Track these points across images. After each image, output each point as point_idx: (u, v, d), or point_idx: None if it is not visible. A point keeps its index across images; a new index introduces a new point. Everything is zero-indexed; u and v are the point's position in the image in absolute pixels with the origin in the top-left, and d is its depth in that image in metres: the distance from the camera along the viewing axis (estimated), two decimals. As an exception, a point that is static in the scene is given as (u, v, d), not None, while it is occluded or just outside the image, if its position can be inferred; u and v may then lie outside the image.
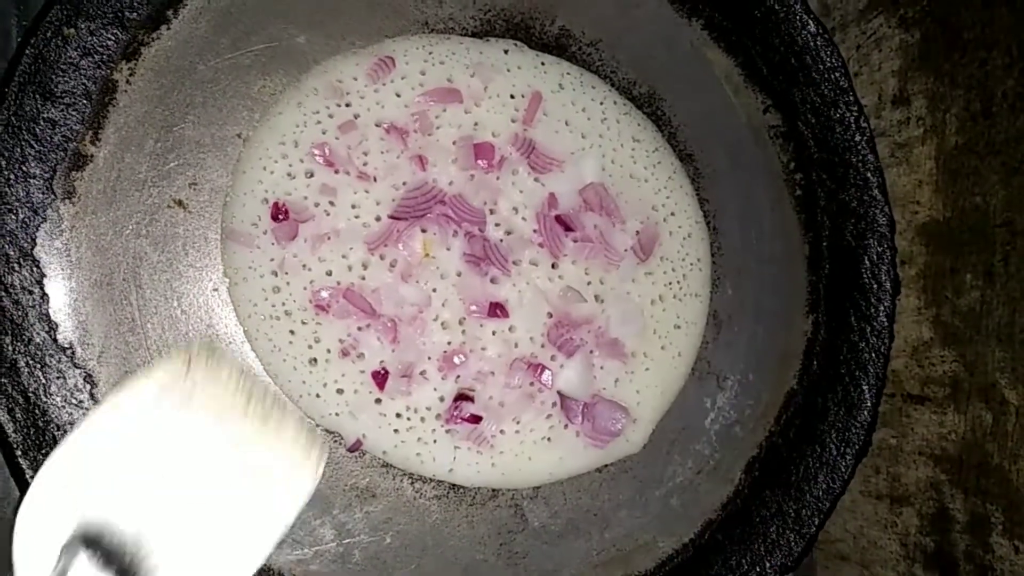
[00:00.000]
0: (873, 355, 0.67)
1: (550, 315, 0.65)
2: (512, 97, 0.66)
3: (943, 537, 0.70)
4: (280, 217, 0.62)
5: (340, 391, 0.62)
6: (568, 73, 0.67)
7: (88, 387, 0.60)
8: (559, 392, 0.65)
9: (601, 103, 0.68)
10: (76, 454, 0.49)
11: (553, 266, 0.66)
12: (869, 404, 0.67)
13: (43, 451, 0.58)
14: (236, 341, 0.62)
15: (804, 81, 0.68)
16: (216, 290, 0.62)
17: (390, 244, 0.63)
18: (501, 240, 0.65)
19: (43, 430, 0.58)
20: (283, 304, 0.62)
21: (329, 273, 0.62)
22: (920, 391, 0.72)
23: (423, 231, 0.63)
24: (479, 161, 0.64)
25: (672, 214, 0.68)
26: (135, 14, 0.61)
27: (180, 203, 0.62)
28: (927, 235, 0.72)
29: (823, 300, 0.69)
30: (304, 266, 0.62)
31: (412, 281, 0.63)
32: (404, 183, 0.63)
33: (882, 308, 0.67)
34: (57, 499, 0.48)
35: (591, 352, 0.66)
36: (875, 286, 0.67)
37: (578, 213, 0.66)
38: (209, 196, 0.62)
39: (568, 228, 0.65)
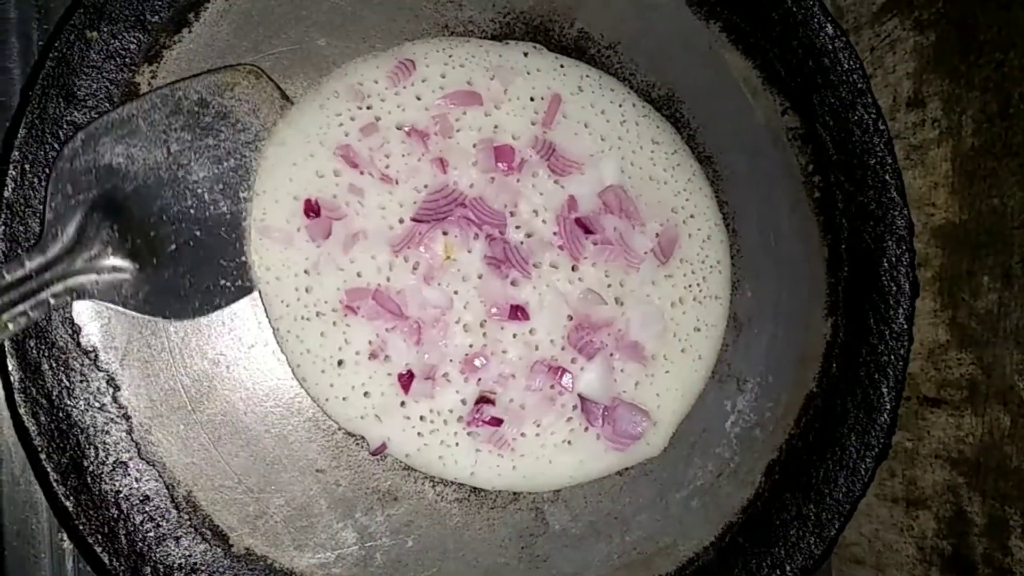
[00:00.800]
0: (892, 357, 0.67)
1: (570, 317, 0.65)
2: (531, 100, 0.66)
3: (961, 540, 0.69)
4: (313, 214, 0.61)
5: (367, 394, 0.62)
6: (587, 76, 0.67)
7: (111, 390, 0.60)
8: (580, 395, 0.65)
9: (620, 105, 0.68)
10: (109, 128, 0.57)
11: (573, 268, 0.65)
12: (889, 407, 0.67)
13: (67, 455, 0.58)
14: (259, 344, 0.62)
15: (822, 83, 0.68)
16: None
17: (412, 247, 0.63)
18: (522, 243, 0.65)
19: (67, 433, 0.58)
20: (315, 304, 0.61)
21: (360, 274, 0.62)
22: (937, 394, 0.72)
23: (444, 234, 0.63)
24: (499, 164, 0.64)
25: (691, 216, 0.68)
26: (157, 17, 0.61)
27: None
28: (943, 237, 0.72)
29: (842, 303, 0.69)
30: (337, 266, 0.62)
31: (434, 283, 0.63)
32: (425, 186, 0.63)
33: (901, 311, 0.67)
34: (86, 162, 0.56)
35: (611, 355, 0.65)
36: (894, 288, 0.67)
37: (598, 215, 0.66)
38: None
39: (588, 231, 0.65)
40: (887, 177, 0.67)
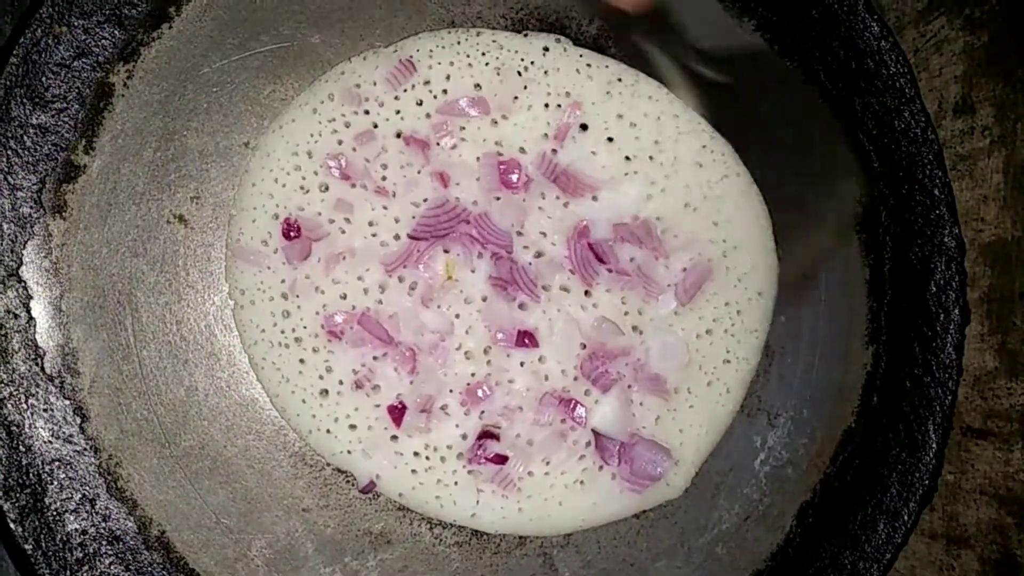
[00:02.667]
0: (939, 391, 0.64)
1: (583, 346, 0.61)
2: (546, 107, 0.62)
3: None
4: (292, 235, 0.59)
5: (353, 427, 0.60)
6: (619, 79, 0.62)
7: (78, 420, 0.58)
8: (594, 430, 0.62)
9: (659, 118, 0.62)
10: None
11: (586, 293, 0.62)
12: (935, 445, 0.64)
13: (26, 491, 0.55)
14: (240, 370, 0.60)
15: (866, 88, 0.65)
16: (220, 314, 0.60)
17: (410, 265, 0.60)
18: (530, 263, 0.61)
19: (27, 468, 0.56)
20: (293, 330, 0.59)
21: (344, 296, 0.60)
22: (983, 425, 0.69)
23: (445, 252, 0.60)
24: (504, 181, 0.61)
25: (735, 248, 0.63)
26: (134, 11, 0.59)
27: (181, 218, 0.60)
28: (992, 255, 0.69)
29: (885, 330, 0.66)
30: (317, 288, 0.59)
31: (433, 306, 0.60)
32: (425, 200, 0.60)
33: (949, 339, 0.64)
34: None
35: (629, 387, 0.62)
36: (942, 315, 0.64)
37: (611, 245, 0.62)
38: (213, 211, 0.60)
39: (600, 259, 0.62)
40: (936, 192, 0.64)
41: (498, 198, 0.61)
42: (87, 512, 0.57)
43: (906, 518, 0.64)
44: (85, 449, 0.57)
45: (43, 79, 0.57)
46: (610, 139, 0.62)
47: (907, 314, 0.65)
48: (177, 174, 0.59)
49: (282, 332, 0.59)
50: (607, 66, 0.62)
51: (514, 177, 0.61)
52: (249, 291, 0.59)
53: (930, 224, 0.65)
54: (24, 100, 0.56)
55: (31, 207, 0.57)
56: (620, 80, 0.62)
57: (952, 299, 0.64)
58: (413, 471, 0.60)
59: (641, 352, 0.62)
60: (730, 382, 0.64)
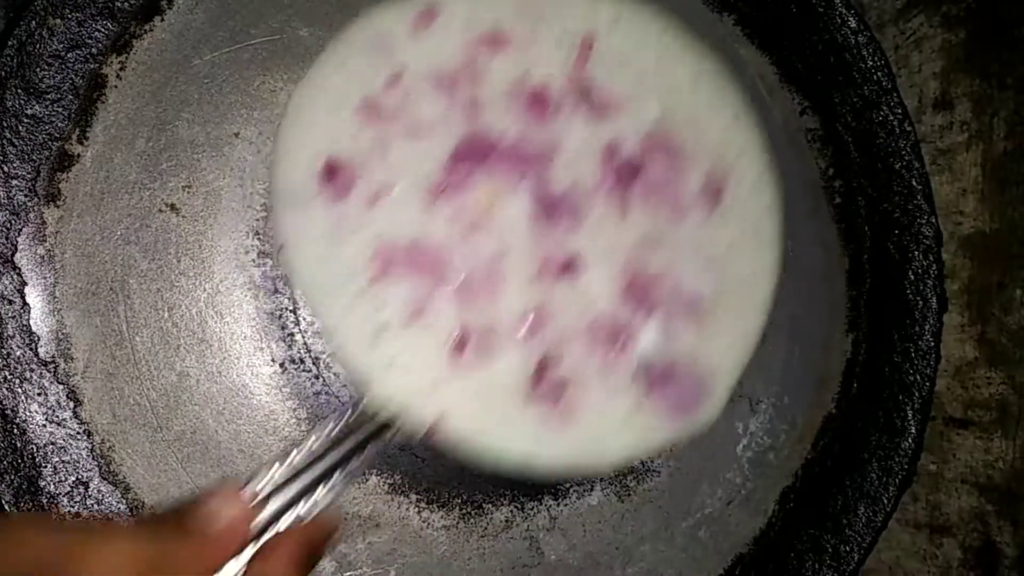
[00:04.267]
0: (918, 377, 0.65)
1: (625, 272, 0.59)
2: (564, 38, 0.61)
3: (990, 573, 0.67)
4: (332, 175, 0.57)
5: (411, 364, 0.55)
6: (624, 4, 0.62)
7: (71, 404, 0.58)
8: (639, 357, 0.58)
9: (660, 39, 0.62)
10: None
11: (622, 217, 0.59)
12: (913, 430, 0.64)
13: (21, 474, 0.55)
14: (231, 356, 0.60)
15: (844, 81, 0.66)
16: (211, 301, 0.60)
17: (450, 196, 0.58)
18: (567, 191, 0.59)
19: (22, 451, 0.56)
20: (341, 269, 0.56)
21: (388, 230, 0.57)
22: (964, 414, 0.70)
23: (484, 181, 0.58)
24: (533, 108, 0.60)
25: (739, 156, 0.61)
26: (127, 4, 0.59)
27: (173, 207, 0.60)
28: (972, 247, 0.70)
29: (864, 318, 0.67)
30: (361, 225, 0.57)
31: (478, 235, 0.57)
32: (457, 133, 0.59)
33: (927, 327, 0.65)
34: None
35: (668, 311, 0.59)
36: (920, 303, 0.65)
37: (642, 159, 0.60)
38: (204, 200, 0.60)
39: (633, 175, 0.60)
40: (913, 182, 0.65)
41: (529, 123, 0.60)
42: (80, 495, 0.57)
43: (886, 502, 0.64)
44: (78, 433, 0.57)
45: (38, 70, 0.57)
46: (624, 62, 0.61)
47: (886, 302, 0.66)
48: (169, 163, 0.60)
49: (331, 273, 0.56)
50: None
51: (544, 103, 0.60)
52: (293, 235, 0.56)
53: (908, 214, 0.65)
54: (19, 91, 0.57)
55: (26, 195, 0.57)
56: (624, 4, 0.62)
57: (930, 287, 0.65)
58: (477, 407, 0.56)
59: (677, 274, 0.60)
60: (757, 299, 0.61)
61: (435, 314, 0.55)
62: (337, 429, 0.48)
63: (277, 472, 0.44)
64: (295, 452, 0.46)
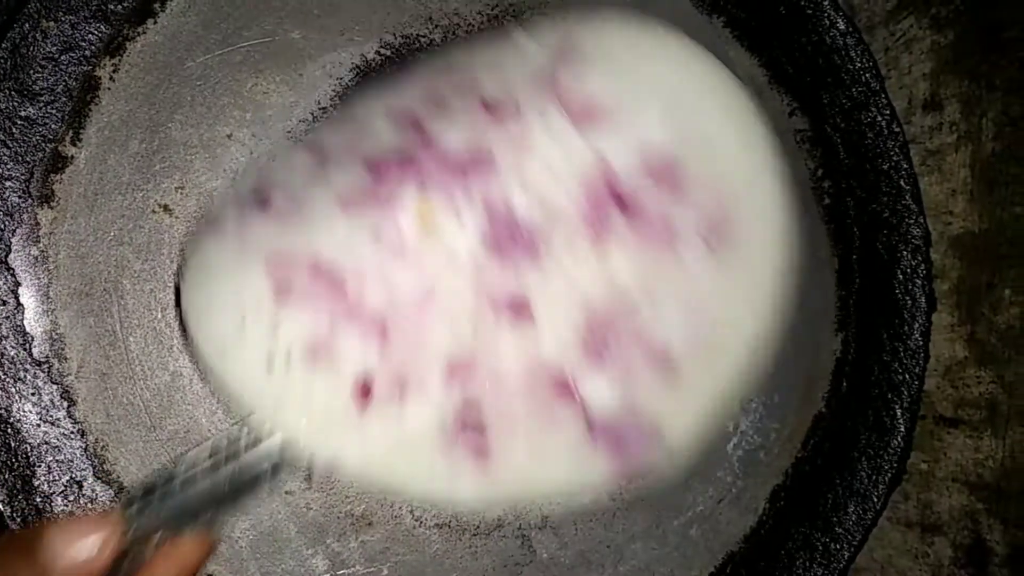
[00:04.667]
0: (907, 376, 0.64)
1: (584, 316, 0.49)
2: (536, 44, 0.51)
3: (980, 571, 0.67)
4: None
5: (309, 405, 0.47)
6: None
7: (65, 404, 0.58)
8: (584, 406, 0.51)
9: (660, 40, 0.52)
10: None
11: (595, 251, 0.49)
12: (903, 428, 0.64)
13: (15, 473, 0.55)
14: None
15: (832, 83, 0.65)
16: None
17: (375, 209, 0.47)
18: (529, 215, 0.48)
19: (16, 450, 0.56)
20: (235, 291, 0.48)
21: (293, 248, 0.48)
22: (954, 413, 0.70)
23: (419, 195, 0.47)
24: (488, 105, 0.49)
25: (749, 186, 0.52)
26: (120, 7, 0.59)
27: (166, 208, 0.60)
28: (961, 247, 0.70)
29: (853, 317, 0.67)
30: (261, 238, 0.49)
31: (406, 262, 0.47)
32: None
33: (916, 326, 0.65)
34: None
35: (630, 361, 0.50)
36: (908, 302, 0.65)
37: (638, 186, 0.49)
38: (197, 201, 0.60)
39: (623, 207, 0.48)
40: (902, 183, 0.65)
41: (484, 124, 0.48)
42: (74, 494, 0.57)
43: (875, 500, 0.64)
44: (72, 433, 0.57)
45: (31, 72, 0.57)
46: (614, 60, 0.51)
47: (875, 302, 0.66)
48: (162, 165, 0.59)
49: (221, 294, 0.48)
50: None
51: (503, 99, 0.48)
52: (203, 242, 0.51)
53: (896, 214, 0.65)
54: (13, 93, 0.56)
55: (20, 197, 0.57)
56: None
57: (919, 287, 0.65)
58: (382, 453, 0.49)
59: (649, 322, 0.50)
60: (734, 360, 0.53)
61: (340, 351, 0.47)
62: (213, 457, 0.44)
63: (156, 493, 0.42)
64: (174, 474, 0.43)
